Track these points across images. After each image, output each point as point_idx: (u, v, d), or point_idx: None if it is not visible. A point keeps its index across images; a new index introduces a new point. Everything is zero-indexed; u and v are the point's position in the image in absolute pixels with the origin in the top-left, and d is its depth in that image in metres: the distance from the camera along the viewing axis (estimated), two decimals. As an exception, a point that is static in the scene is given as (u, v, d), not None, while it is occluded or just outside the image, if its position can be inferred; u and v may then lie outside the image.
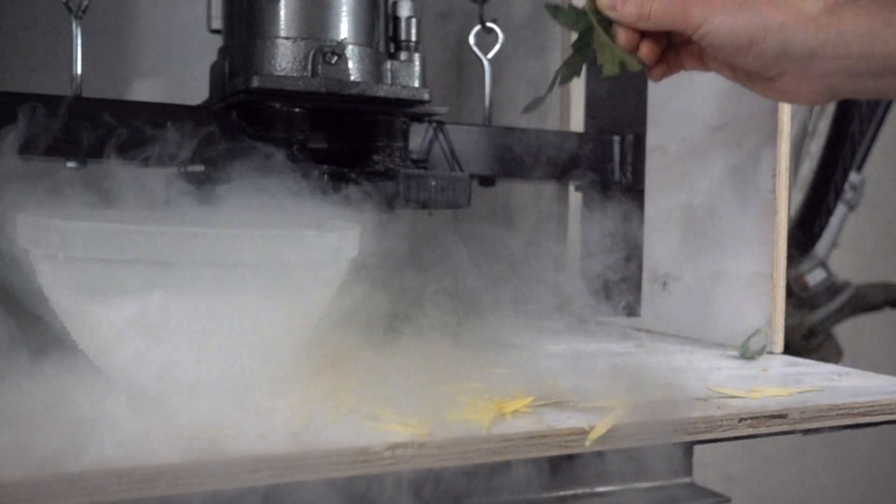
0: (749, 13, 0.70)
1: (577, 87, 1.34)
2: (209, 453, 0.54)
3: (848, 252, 1.78)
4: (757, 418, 0.71)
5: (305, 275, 0.68)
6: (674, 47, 0.78)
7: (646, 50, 0.76)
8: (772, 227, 0.97)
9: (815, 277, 1.69)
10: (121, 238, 0.62)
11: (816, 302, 1.70)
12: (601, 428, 0.64)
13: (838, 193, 1.67)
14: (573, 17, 0.79)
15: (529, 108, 0.84)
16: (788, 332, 1.00)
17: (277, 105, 0.93)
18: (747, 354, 0.94)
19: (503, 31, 1.14)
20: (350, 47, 0.96)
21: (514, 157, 1.15)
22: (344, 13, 0.96)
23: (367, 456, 0.57)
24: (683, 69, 0.79)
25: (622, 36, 0.76)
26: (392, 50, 1.02)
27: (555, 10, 0.79)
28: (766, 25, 0.70)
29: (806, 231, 1.67)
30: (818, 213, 1.66)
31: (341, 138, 0.98)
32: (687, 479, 0.86)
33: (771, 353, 0.97)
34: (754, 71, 0.73)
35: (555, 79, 0.82)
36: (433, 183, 0.99)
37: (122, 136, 0.91)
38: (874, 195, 1.80)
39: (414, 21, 1.01)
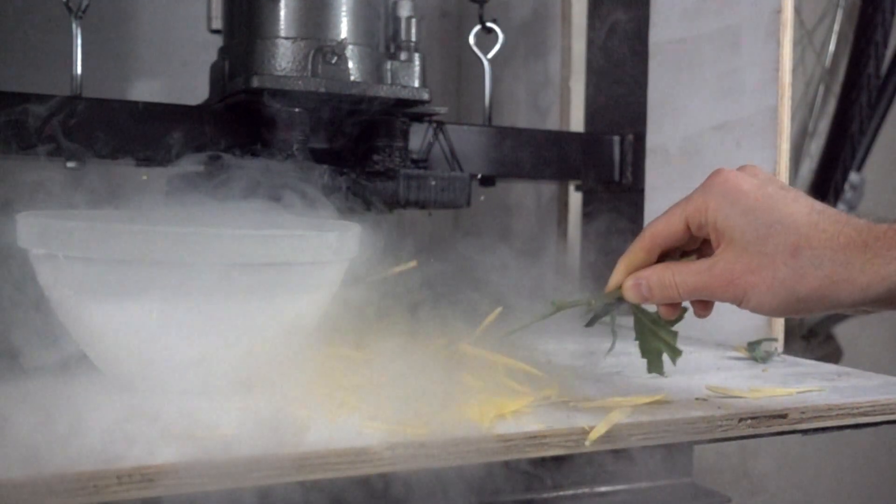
0: (782, 289, 0.64)
1: (577, 87, 1.34)
2: (209, 453, 0.54)
3: (848, 252, 1.77)
4: (757, 418, 0.71)
5: (305, 275, 0.68)
6: None
7: (697, 308, 0.72)
8: (772, 227, 0.97)
9: (815, 277, 1.69)
10: (121, 238, 0.62)
11: (816, 302, 1.70)
12: (601, 428, 0.64)
13: (838, 193, 1.67)
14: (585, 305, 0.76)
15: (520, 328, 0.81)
16: (788, 332, 1.00)
17: (277, 105, 0.93)
18: (758, 357, 0.94)
19: (503, 31, 1.14)
20: (350, 47, 0.96)
21: (514, 157, 1.15)
22: (344, 13, 0.96)
23: (367, 456, 0.57)
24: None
25: (665, 312, 0.72)
26: (392, 50, 1.02)
27: (560, 304, 0.77)
28: (805, 297, 0.64)
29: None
30: (818, 214, 1.65)
31: (341, 138, 0.98)
32: (687, 479, 0.86)
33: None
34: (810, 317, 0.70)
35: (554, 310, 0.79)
36: (433, 183, 0.99)
37: (122, 136, 0.91)
38: (874, 195, 1.80)
39: (414, 21, 1.01)
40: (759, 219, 0.64)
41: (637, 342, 0.77)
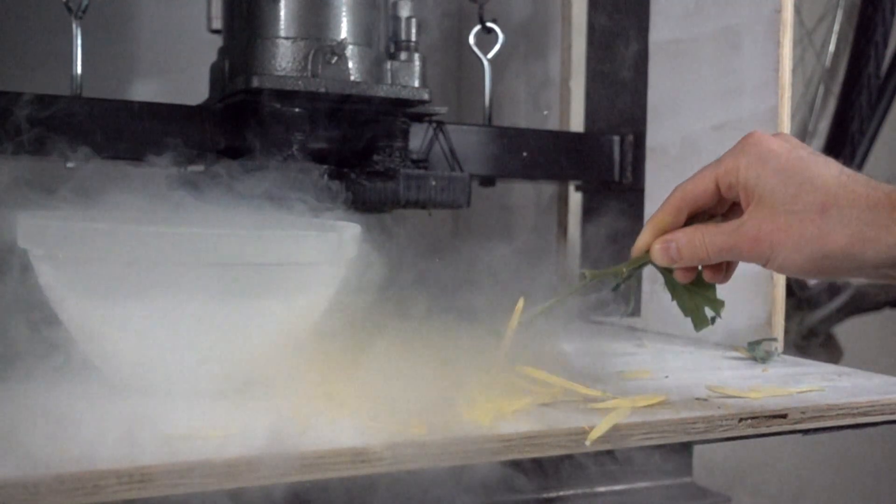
0: (808, 247, 0.65)
1: (577, 88, 1.34)
2: (209, 453, 0.54)
3: (848, 252, 1.77)
4: (757, 418, 0.71)
5: (305, 275, 0.68)
6: None
7: (708, 273, 0.73)
8: (772, 227, 0.97)
9: (815, 277, 1.69)
10: (121, 238, 0.62)
11: (816, 302, 1.70)
12: (601, 428, 0.64)
13: (838, 193, 1.66)
14: (613, 275, 0.76)
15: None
16: (788, 332, 1.00)
17: (277, 105, 0.93)
18: (758, 357, 0.94)
19: (503, 31, 1.14)
20: (350, 47, 0.96)
21: (514, 157, 1.15)
22: (344, 13, 0.96)
23: (367, 456, 0.57)
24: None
25: (681, 276, 0.73)
26: (392, 50, 1.02)
27: (592, 274, 0.76)
28: (831, 255, 0.64)
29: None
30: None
31: (341, 138, 0.98)
32: (687, 479, 0.86)
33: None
34: (834, 278, 0.71)
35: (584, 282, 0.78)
36: (433, 183, 0.99)
37: (122, 136, 0.91)
38: (874, 195, 1.79)
39: (414, 21, 1.01)
40: (789, 178, 0.65)
41: (675, 303, 0.75)
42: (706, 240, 0.69)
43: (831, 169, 0.66)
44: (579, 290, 0.76)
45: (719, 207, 0.72)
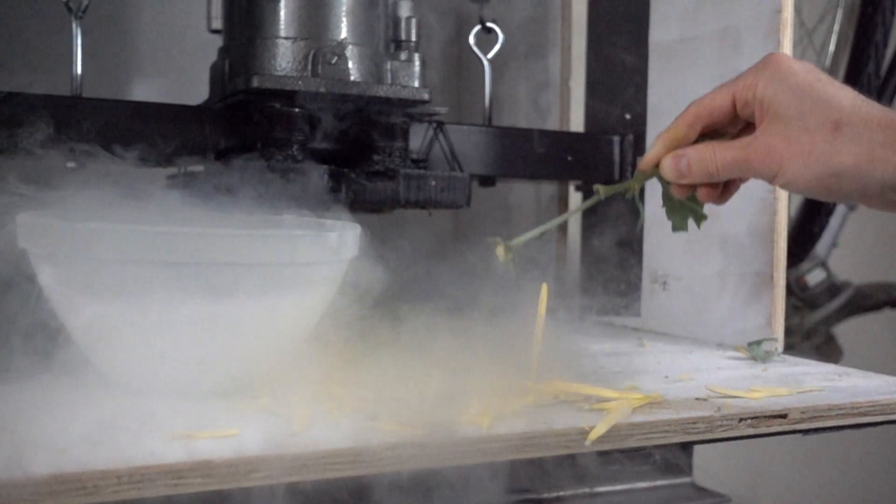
0: (818, 163, 0.66)
1: (577, 88, 1.34)
2: (209, 453, 0.54)
3: (848, 252, 1.78)
4: (757, 418, 0.71)
5: (305, 275, 0.68)
6: None
7: (704, 192, 0.74)
8: (772, 227, 0.97)
9: (815, 277, 1.69)
10: (121, 238, 0.62)
11: (816, 302, 1.70)
12: (601, 428, 0.64)
13: (838, 193, 1.66)
14: (622, 188, 0.77)
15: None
16: (788, 332, 1.00)
17: (277, 105, 0.93)
18: (758, 357, 0.94)
19: (503, 31, 1.14)
20: (350, 47, 0.96)
21: (514, 157, 1.15)
22: (344, 13, 0.96)
23: (367, 456, 0.57)
24: (743, 184, 0.76)
25: (677, 191, 0.74)
26: (392, 50, 1.02)
27: (605, 190, 0.77)
28: (839, 172, 0.66)
29: (806, 231, 1.67)
30: (818, 213, 1.65)
31: (341, 138, 0.98)
32: (687, 479, 0.86)
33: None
34: (839, 201, 0.72)
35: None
36: (433, 183, 0.99)
37: (122, 136, 0.91)
38: (874, 195, 1.79)
39: (414, 21, 1.01)
40: (804, 96, 0.67)
41: (664, 209, 0.77)
42: (717, 155, 0.70)
43: (847, 92, 0.67)
44: (592, 205, 0.78)
45: (732, 127, 0.72)
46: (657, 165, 0.73)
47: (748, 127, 0.71)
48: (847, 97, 0.66)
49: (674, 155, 0.72)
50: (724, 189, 0.74)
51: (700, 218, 0.77)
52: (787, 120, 0.67)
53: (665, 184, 0.75)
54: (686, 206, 0.76)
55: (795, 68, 0.68)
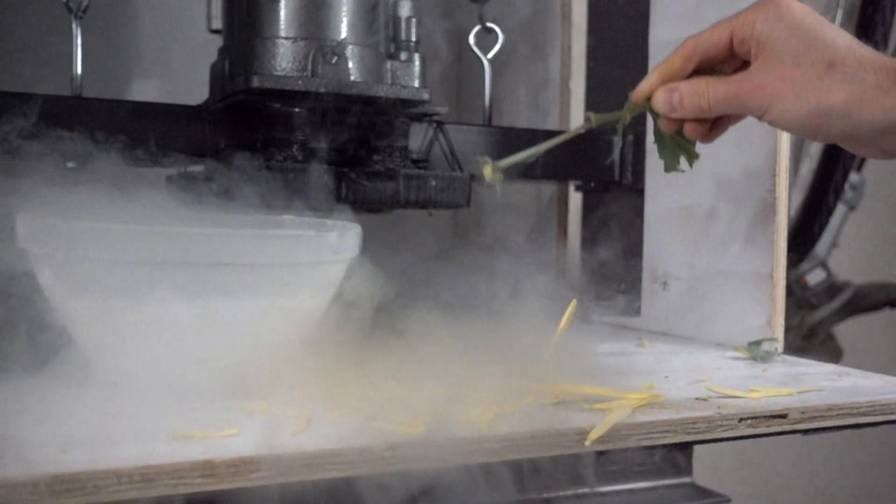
0: (809, 99, 0.67)
1: (578, 88, 1.34)
2: (209, 453, 0.54)
3: (848, 252, 1.78)
4: (757, 418, 0.71)
5: (305, 275, 0.68)
6: None
7: (691, 127, 0.74)
8: (772, 227, 0.97)
9: (815, 277, 1.69)
10: (121, 238, 0.62)
11: (816, 302, 1.70)
12: (601, 428, 0.64)
13: (838, 193, 1.67)
14: (612, 119, 0.77)
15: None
16: (788, 332, 1.00)
17: (277, 105, 0.93)
18: (758, 357, 0.94)
19: (503, 31, 1.14)
20: (350, 47, 0.96)
21: (514, 157, 1.14)
22: (344, 13, 0.96)
23: (367, 456, 0.57)
24: (731, 124, 0.77)
25: (665, 124, 0.74)
26: (392, 50, 1.02)
27: (597, 117, 0.77)
28: (829, 110, 0.66)
29: (806, 231, 1.67)
30: (818, 213, 1.65)
31: (341, 138, 0.98)
32: (687, 479, 0.86)
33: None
34: (826, 142, 0.73)
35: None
36: (433, 183, 0.99)
37: (122, 136, 0.91)
38: (874, 195, 1.80)
39: (414, 21, 1.01)
40: (801, 34, 0.67)
41: (656, 146, 0.77)
42: (710, 89, 0.71)
43: (844, 34, 0.68)
44: (583, 131, 0.78)
45: (727, 65, 0.73)
46: (649, 98, 0.73)
47: (743, 66, 0.72)
48: (843, 39, 0.67)
49: (667, 88, 0.72)
50: (712, 127, 0.75)
51: (692, 156, 0.77)
52: (781, 57, 0.68)
53: (656, 117, 0.75)
54: (678, 144, 0.76)
55: (795, 8, 0.69)
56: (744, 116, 0.75)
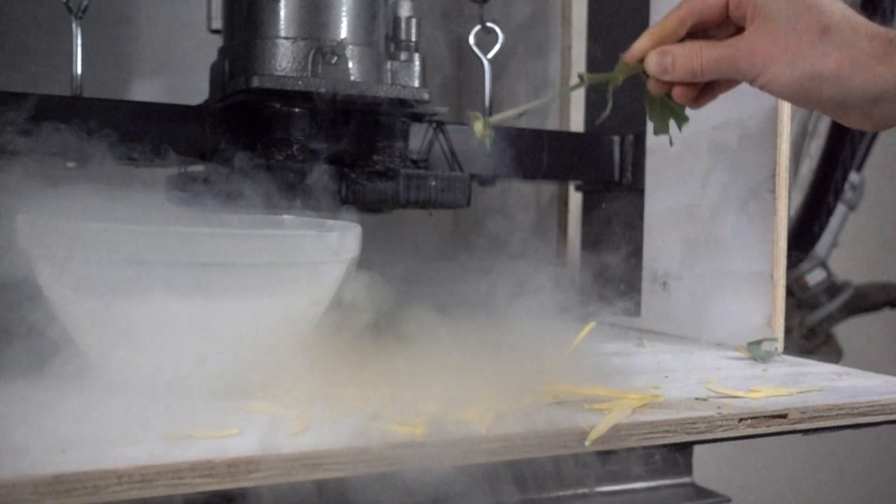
0: (802, 63, 0.67)
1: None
2: (209, 453, 0.54)
3: (848, 252, 1.78)
4: (757, 418, 0.71)
5: (305, 275, 0.68)
6: None
7: (680, 91, 0.74)
8: (772, 227, 0.97)
9: (815, 277, 1.69)
10: (121, 238, 0.62)
11: (816, 302, 1.70)
12: (601, 428, 0.64)
13: (838, 193, 1.67)
14: (602, 78, 0.78)
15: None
16: (788, 332, 1.00)
17: (277, 105, 0.93)
18: (758, 357, 0.94)
19: (503, 31, 1.14)
20: (350, 47, 0.96)
21: (514, 157, 1.15)
22: (344, 13, 0.96)
23: (367, 456, 0.57)
24: (721, 92, 0.77)
25: (654, 87, 0.75)
26: (392, 50, 1.02)
27: (589, 77, 0.78)
28: (821, 75, 0.67)
29: (806, 231, 1.67)
30: (818, 213, 1.66)
31: (341, 138, 0.98)
32: (687, 479, 0.86)
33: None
34: (817, 110, 0.73)
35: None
36: (433, 183, 0.99)
37: (122, 136, 0.91)
38: (874, 195, 1.80)
39: (414, 21, 1.01)
40: (796, 0, 0.68)
41: (646, 109, 0.78)
42: (703, 53, 0.71)
43: (840, 3, 0.69)
44: (574, 90, 0.79)
45: (721, 31, 0.73)
46: (642, 60, 0.73)
47: (737, 33, 0.72)
48: (838, 6, 0.68)
49: (660, 50, 0.73)
50: (701, 92, 0.75)
51: (681, 120, 0.77)
52: (776, 21, 0.68)
53: (646, 79, 0.75)
54: (667, 107, 0.77)
55: None
56: (735, 84, 0.76)
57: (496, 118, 0.77)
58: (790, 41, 0.68)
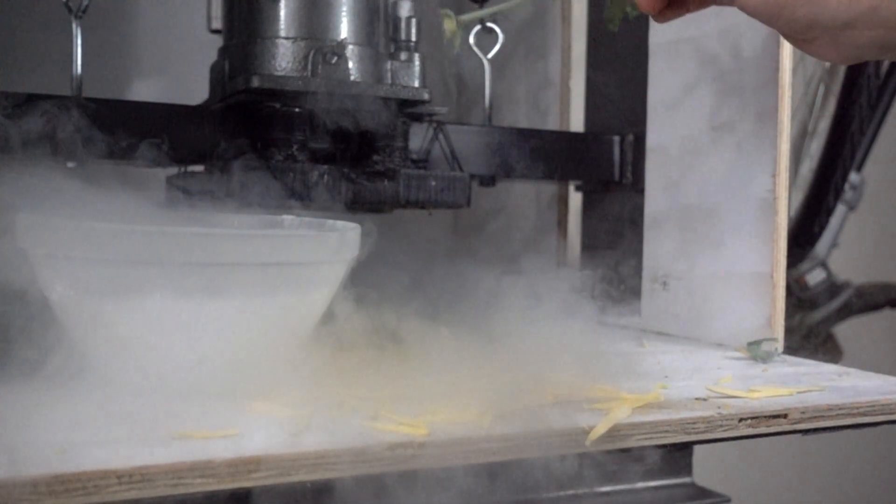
0: None
1: (577, 88, 1.34)
2: (209, 453, 0.54)
3: (848, 252, 1.78)
4: (757, 418, 0.71)
5: (305, 275, 0.68)
6: None
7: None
8: (772, 227, 0.97)
9: (815, 277, 1.69)
10: (121, 238, 0.62)
11: (816, 302, 1.70)
12: (601, 428, 0.64)
13: (838, 193, 1.67)
14: None
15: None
16: (788, 332, 1.00)
17: (277, 105, 0.93)
18: (758, 357, 0.94)
19: (503, 31, 1.14)
20: (350, 47, 0.96)
21: (514, 157, 1.15)
22: (344, 13, 0.96)
23: (367, 456, 0.57)
24: (689, 11, 0.78)
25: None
26: (392, 50, 1.02)
27: None
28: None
29: (806, 231, 1.67)
30: (818, 213, 1.66)
31: (341, 138, 0.98)
32: (687, 479, 0.86)
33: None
34: (786, 33, 0.73)
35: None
36: (433, 183, 0.99)
37: (122, 136, 0.91)
38: (874, 195, 1.80)
39: (414, 21, 1.01)
40: None
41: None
42: None
43: None
44: None
45: None
46: None
47: None
48: None
49: None
50: (670, 4, 0.76)
51: (634, 9, 0.78)
52: None
53: None
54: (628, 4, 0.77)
55: None
56: (707, 4, 0.77)
57: (467, 16, 0.77)
58: None
